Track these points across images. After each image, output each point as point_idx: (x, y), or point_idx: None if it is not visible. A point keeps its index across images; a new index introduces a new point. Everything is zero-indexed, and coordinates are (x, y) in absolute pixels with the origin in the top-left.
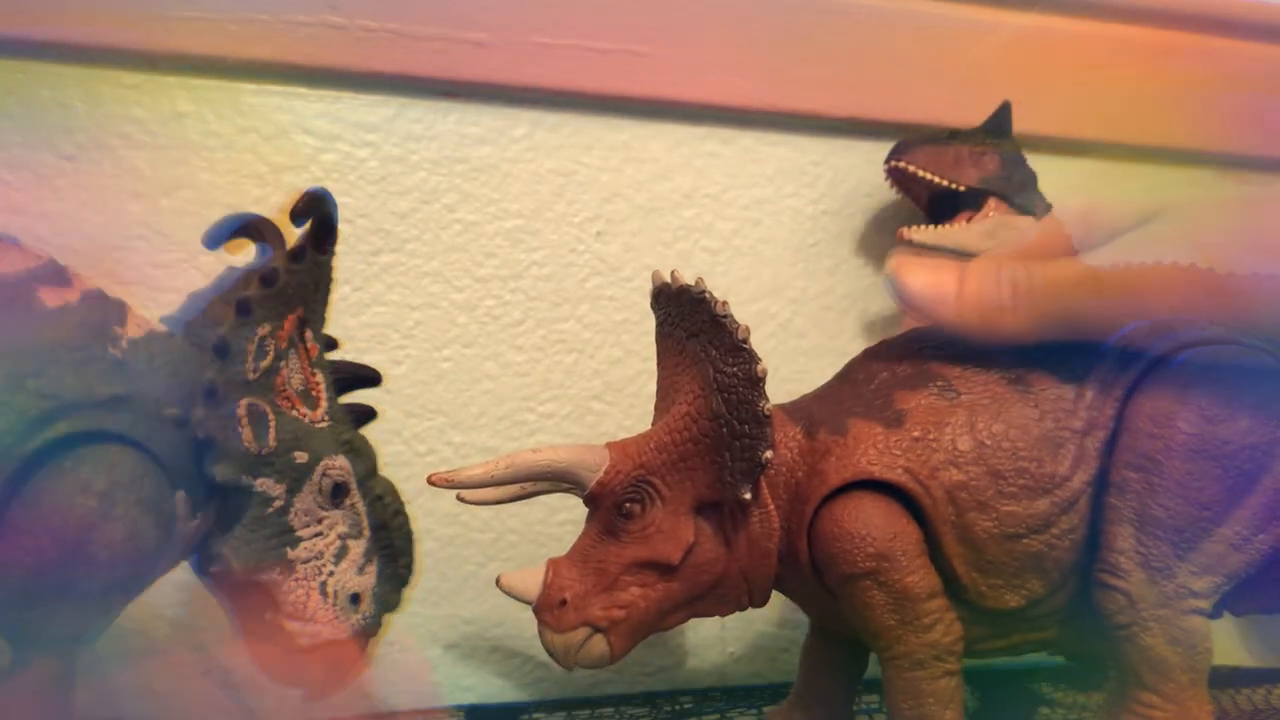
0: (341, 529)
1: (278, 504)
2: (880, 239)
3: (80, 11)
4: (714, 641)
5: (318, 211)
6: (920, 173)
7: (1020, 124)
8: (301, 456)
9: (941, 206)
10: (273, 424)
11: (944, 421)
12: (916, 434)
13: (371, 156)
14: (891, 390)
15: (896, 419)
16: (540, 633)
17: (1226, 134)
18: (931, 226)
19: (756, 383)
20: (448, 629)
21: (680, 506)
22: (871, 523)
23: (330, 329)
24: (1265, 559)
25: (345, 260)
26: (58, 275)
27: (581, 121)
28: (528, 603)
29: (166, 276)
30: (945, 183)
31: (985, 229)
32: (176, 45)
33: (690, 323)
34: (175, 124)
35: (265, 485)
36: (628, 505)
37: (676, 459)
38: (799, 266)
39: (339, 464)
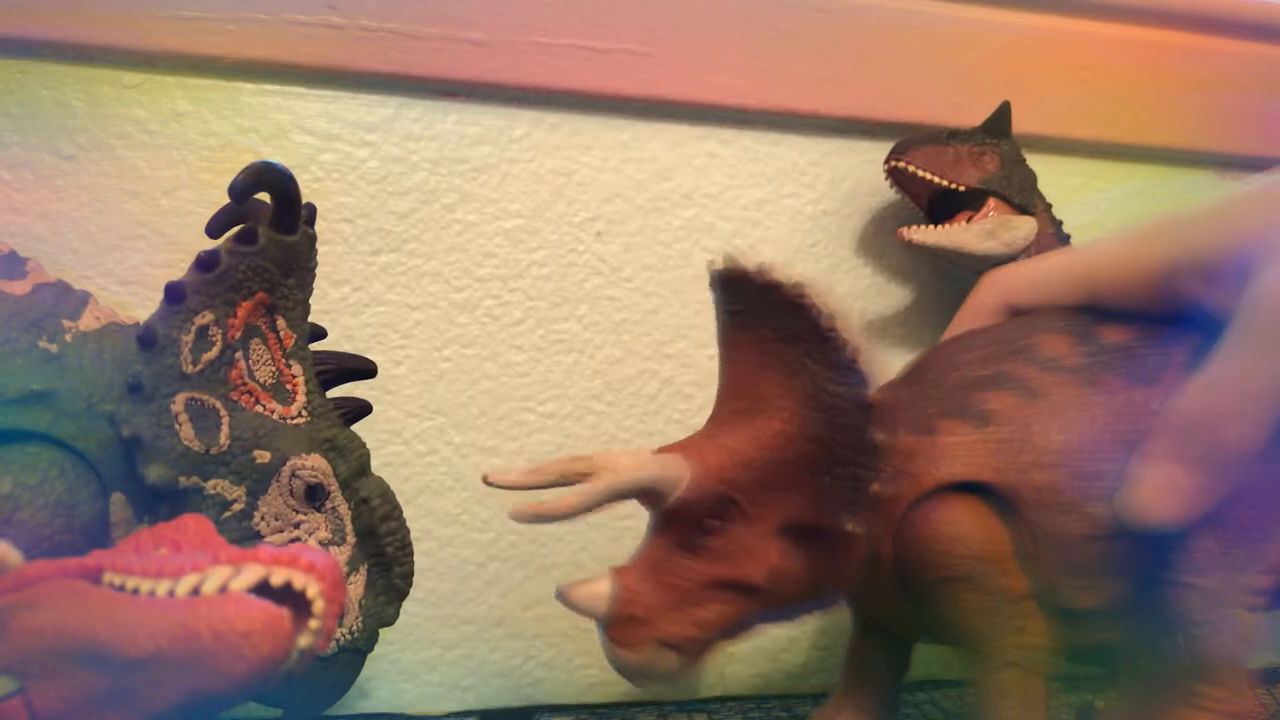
0: (323, 534)
1: (237, 507)
2: (880, 239)
3: (79, 11)
4: None
5: (272, 187)
6: (920, 172)
7: (1020, 124)
8: (263, 456)
9: (941, 206)
10: (225, 421)
11: (1028, 422)
12: (1003, 435)
13: (371, 156)
14: (969, 391)
15: (981, 420)
16: (608, 647)
17: (1226, 134)
18: (931, 226)
19: (867, 408)
20: (447, 629)
21: (766, 526)
22: (967, 526)
23: (330, 329)
24: None
25: (345, 260)
26: (8, 268)
27: (581, 121)
28: (594, 617)
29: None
30: (945, 183)
31: (985, 229)
32: (175, 45)
33: (782, 325)
34: (174, 124)
35: (219, 487)
36: (709, 522)
37: (765, 479)
38: (798, 266)
39: (311, 463)
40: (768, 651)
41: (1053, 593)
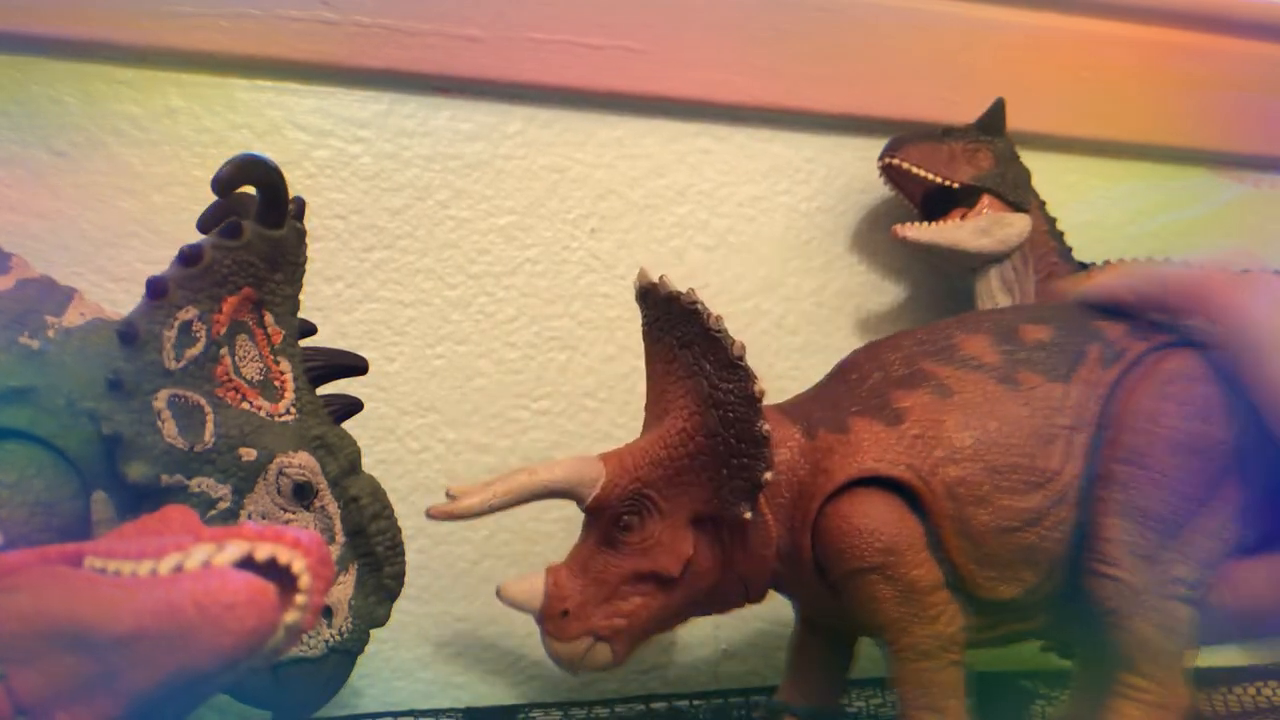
0: None
1: (223, 505)
2: (874, 236)
3: (74, 7)
4: (708, 640)
5: (257, 181)
6: (914, 169)
7: (1018, 122)
8: (249, 453)
9: (935, 203)
10: (210, 418)
11: (941, 419)
12: (916, 432)
13: (364, 153)
14: (887, 389)
15: (896, 417)
16: (544, 641)
17: (1224, 133)
18: (925, 223)
19: (754, 402)
20: (440, 626)
21: (678, 519)
22: (878, 518)
23: (322, 326)
24: (1241, 547)
25: (338, 257)
26: None
27: (575, 118)
28: (530, 613)
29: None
30: (939, 179)
31: (979, 226)
32: (168, 41)
33: (681, 332)
34: (168, 120)
35: (204, 485)
36: (625, 518)
37: (673, 474)
38: (792, 263)
39: (299, 461)
40: (761, 649)
41: (971, 584)
